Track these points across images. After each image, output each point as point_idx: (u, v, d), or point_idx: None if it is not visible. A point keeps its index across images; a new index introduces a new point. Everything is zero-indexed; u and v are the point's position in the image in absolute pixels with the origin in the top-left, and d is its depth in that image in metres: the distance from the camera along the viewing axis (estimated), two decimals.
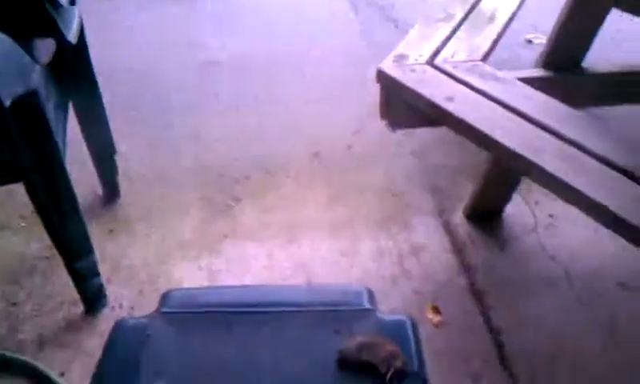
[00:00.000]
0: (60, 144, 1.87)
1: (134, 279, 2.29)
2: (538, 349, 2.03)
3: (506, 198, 2.48)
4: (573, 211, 2.52)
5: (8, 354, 2.02)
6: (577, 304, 2.18)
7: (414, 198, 2.64)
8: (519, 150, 1.76)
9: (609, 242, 2.41)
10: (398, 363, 1.20)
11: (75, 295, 2.17)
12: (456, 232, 2.47)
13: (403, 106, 2.12)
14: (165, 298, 1.37)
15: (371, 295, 1.39)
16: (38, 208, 1.96)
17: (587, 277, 2.29)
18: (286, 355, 1.25)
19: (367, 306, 1.34)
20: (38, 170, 1.81)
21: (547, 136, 1.82)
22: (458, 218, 2.53)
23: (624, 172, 1.74)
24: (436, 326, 2.11)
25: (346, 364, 1.22)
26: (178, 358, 1.23)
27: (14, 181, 1.89)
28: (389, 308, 2.12)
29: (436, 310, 2.16)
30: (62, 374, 1.96)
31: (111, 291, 2.24)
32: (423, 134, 2.99)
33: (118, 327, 1.31)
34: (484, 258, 2.36)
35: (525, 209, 2.57)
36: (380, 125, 2.87)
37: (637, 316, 2.15)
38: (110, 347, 1.26)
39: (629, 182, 1.71)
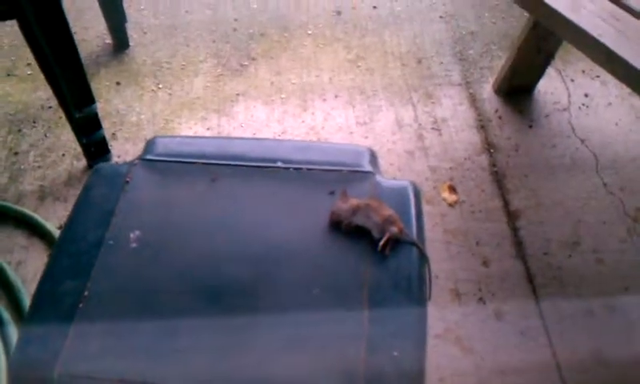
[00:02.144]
0: None
1: (139, 136, 2.20)
2: (555, 235, 1.92)
3: (539, 71, 2.27)
4: (610, 92, 2.35)
5: (6, 204, 1.97)
6: (603, 192, 2.03)
7: (440, 66, 2.44)
8: (556, 5, 1.55)
9: None
10: (394, 229, 1.09)
11: (78, 148, 2.09)
12: (482, 107, 2.30)
13: None
14: (149, 144, 1.27)
15: (373, 157, 1.26)
16: (34, 50, 1.83)
17: (618, 164, 2.12)
18: (274, 214, 1.15)
19: (367, 168, 1.22)
20: (30, 2, 1.67)
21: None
22: (487, 92, 2.35)
23: None
24: (451, 205, 2.00)
25: (339, 227, 1.12)
26: (157, 209, 1.15)
27: (7, 16, 1.75)
28: None
29: (452, 189, 2.04)
30: (60, 228, 1.92)
31: (115, 146, 2.15)
32: None
33: (97, 172, 1.22)
34: (509, 136, 2.19)
35: (559, 85, 2.36)
36: None
37: None
38: (85, 192, 1.18)
39: None
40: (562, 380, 1.61)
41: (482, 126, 2.22)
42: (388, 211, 1.11)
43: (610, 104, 2.32)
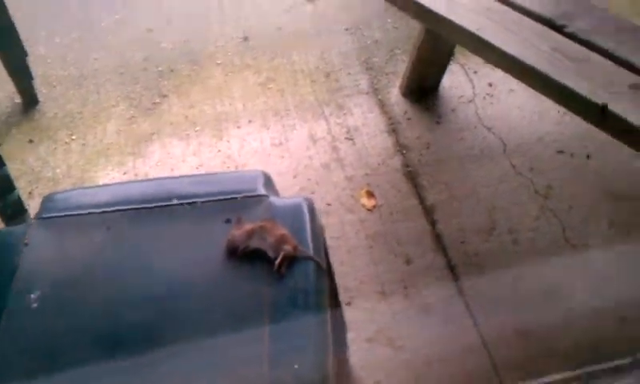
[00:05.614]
0: None
1: (56, 191, 2.18)
2: (471, 224, 1.99)
3: (441, 69, 2.36)
4: (512, 79, 2.44)
5: None
6: (512, 174, 2.12)
7: (348, 77, 2.51)
8: (432, 5, 1.63)
9: (551, 109, 2.34)
10: (288, 248, 1.13)
11: None
12: (392, 111, 2.37)
13: None
14: (45, 202, 1.28)
15: (268, 180, 1.30)
16: None
17: (525, 146, 2.22)
18: (172, 251, 1.17)
19: (261, 191, 1.26)
20: None
21: None
22: (394, 96, 2.42)
23: (546, 22, 1.65)
24: (370, 210, 2.05)
25: (235, 253, 1.15)
26: (55, 266, 1.16)
27: None
28: (320, 197, 2.07)
29: (370, 194, 2.09)
30: None
31: (32, 205, 2.13)
32: (359, 8, 2.83)
33: None
34: (419, 135, 2.27)
35: (463, 79, 2.46)
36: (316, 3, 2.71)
37: (573, 182, 2.10)
38: None
39: (549, 31, 1.63)
40: (490, 358, 1.67)
41: (393, 129, 2.29)
42: (281, 231, 1.15)
43: (512, 90, 2.42)
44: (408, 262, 1.90)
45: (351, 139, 2.27)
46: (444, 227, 1.98)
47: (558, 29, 1.65)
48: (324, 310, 1.10)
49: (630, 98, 1.49)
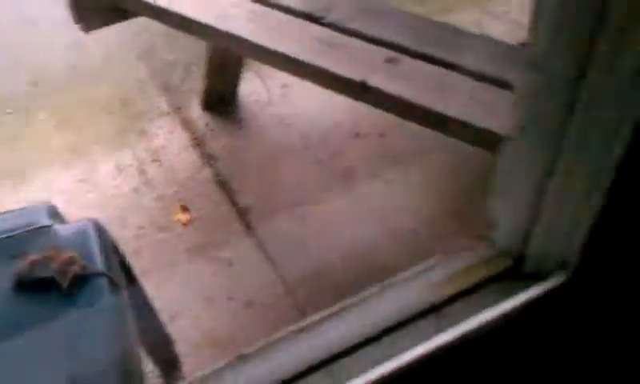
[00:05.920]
0: None
1: None
2: (284, 216, 2.09)
3: (235, 78, 2.45)
4: None
5: None
6: (315, 164, 2.26)
7: (147, 102, 2.53)
8: (205, 19, 1.72)
9: (342, 97, 2.52)
10: (75, 268, 1.14)
11: None
12: (195, 126, 2.42)
13: (94, 4, 1.98)
14: None
15: (52, 209, 1.30)
16: None
17: (323, 136, 2.37)
18: None
19: (44, 223, 1.25)
20: None
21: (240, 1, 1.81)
22: (196, 111, 2.48)
23: (307, 16, 1.80)
24: (185, 224, 2.08)
25: (23, 286, 1.14)
26: None
27: None
28: (132, 222, 2.07)
29: (184, 209, 2.12)
30: None
31: None
32: (147, 33, 2.85)
33: None
34: (224, 144, 2.34)
35: (258, 84, 2.57)
36: (101, 34, 2.69)
37: (368, 158, 2.29)
38: None
39: (310, 25, 1.77)
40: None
41: (198, 143, 2.35)
42: (68, 254, 1.16)
43: (305, 87, 2.54)
44: (229, 265, 1.96)
45: (158, 160, 2.29)
46: (259, 225, 2.06)
47: (318, 21, 1.80)
48: (123, 321, 1.12)
49: (386, 71, 1.66)
